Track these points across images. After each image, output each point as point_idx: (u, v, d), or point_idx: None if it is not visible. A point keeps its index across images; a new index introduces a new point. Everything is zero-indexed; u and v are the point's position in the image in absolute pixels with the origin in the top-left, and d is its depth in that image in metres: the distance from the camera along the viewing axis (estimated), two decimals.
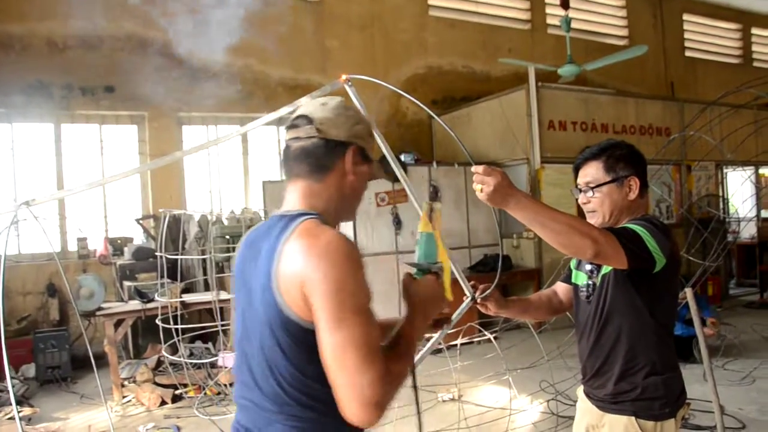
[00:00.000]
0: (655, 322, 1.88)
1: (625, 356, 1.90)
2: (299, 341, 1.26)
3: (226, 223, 6.96)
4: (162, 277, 5.11)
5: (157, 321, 4.73)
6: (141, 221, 7.74)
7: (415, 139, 9.34)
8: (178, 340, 4.62)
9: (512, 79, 9.65)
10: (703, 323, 5.65)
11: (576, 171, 2.06)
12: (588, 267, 2.02)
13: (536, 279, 7.68)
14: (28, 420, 4.91)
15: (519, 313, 2.22)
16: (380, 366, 1.17)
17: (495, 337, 7.09)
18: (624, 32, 11.99)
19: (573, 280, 2.11)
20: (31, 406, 5.31)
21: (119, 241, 7.59)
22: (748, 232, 10.52)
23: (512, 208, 1.65)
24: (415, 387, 1.47)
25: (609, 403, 1.94)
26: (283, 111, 2.86)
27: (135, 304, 5.67)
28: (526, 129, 7.97)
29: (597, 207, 1.97)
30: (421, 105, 2.21)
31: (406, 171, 7.41)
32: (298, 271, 1.23)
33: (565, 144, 8.09)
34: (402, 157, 7.68)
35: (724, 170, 9.97)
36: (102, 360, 5.61)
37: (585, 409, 2.06)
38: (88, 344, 2.90)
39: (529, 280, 7.78)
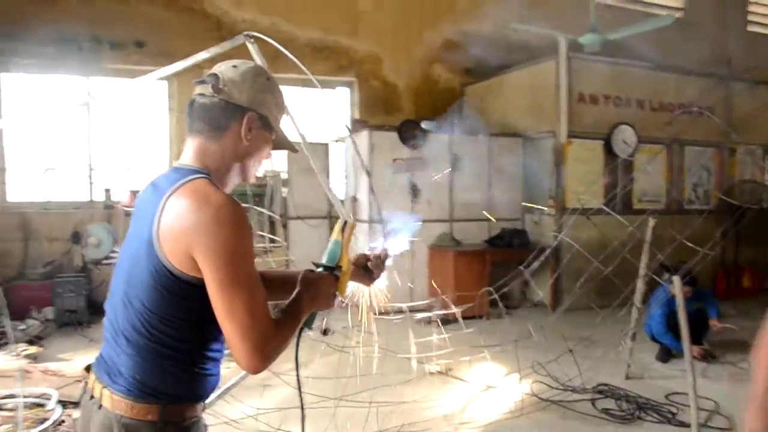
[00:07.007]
0: None
1: None
2: (167, 287, 1.34)
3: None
4: None
5: None
6: None
7: (446, 107, 9.12)
8: None
9: (551, 49, 9.26)
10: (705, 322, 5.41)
11: None
12: None
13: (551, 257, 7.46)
14: (34, 358, 5.15)
15: None
16: (267, 321, 1.32)
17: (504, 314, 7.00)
18: (678, 2, 11.32)
19: None
20: (41, 346, 5.57)
21: None
22: None
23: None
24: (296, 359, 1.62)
25: None
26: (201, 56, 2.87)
27: None
28: (554, 101, 7.68)
29: None
30: (281, 47, 2.11)
31: (423, 138, 7.29)
32: (187, 230, 1.30)
33: (596, 118, 7.78)
34: (423, 125, 7.54)
35: None
36: None
37: None
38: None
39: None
